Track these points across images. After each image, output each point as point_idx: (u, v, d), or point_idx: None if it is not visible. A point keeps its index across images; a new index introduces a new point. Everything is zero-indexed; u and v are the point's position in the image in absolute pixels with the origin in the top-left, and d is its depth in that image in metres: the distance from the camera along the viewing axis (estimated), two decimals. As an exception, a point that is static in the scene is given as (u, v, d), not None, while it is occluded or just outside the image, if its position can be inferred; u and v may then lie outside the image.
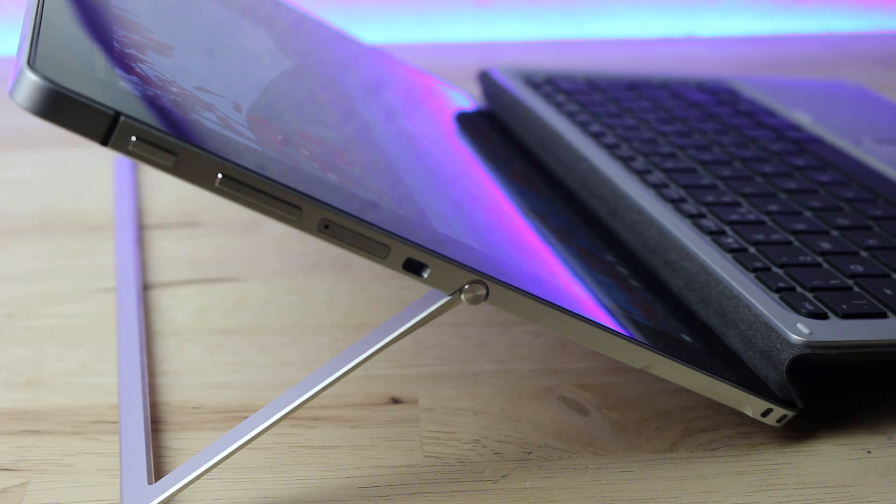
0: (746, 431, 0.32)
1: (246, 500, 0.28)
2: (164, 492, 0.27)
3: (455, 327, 0.37)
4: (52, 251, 0.43)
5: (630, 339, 0.29)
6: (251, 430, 0.27)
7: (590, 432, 0.31)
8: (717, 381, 0.30)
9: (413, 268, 0.26)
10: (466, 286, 0.26)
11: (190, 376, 0.34)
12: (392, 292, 0.40)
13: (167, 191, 0.49)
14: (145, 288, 0.40)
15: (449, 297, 0.26)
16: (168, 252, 0.43)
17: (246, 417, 0.32)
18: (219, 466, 0.29)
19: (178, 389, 0.33)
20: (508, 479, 0.29)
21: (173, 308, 0.38)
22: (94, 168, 0.52)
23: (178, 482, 0.27)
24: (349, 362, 0.27)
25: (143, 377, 0.33)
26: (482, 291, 0.26)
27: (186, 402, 0.33)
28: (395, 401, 0.33)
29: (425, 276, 0.26)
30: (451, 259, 0.26)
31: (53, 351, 0.35)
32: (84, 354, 0.35)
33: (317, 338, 0.37)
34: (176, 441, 0.31)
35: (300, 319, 0.38)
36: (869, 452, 0.31)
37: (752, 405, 0.30)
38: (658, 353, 0.29)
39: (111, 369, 0.34)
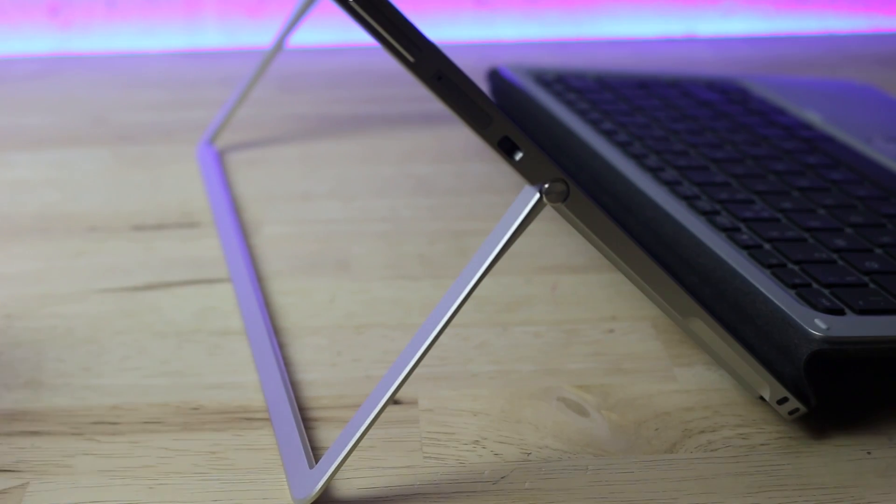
0: (746, 432, 0.31)
1: (246, 500, 0.28)
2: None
3: (455, 327, 0.37)
4: (52, 251, 0.43)
5: (683, 286, 0.29)
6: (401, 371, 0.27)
7: (589, 433, 0.31)
8: (749, 356, 0.30)
9: (507, 147, 0.26)
10: (548, 185, 0.26)
11: (189, 377, 0.34)
12: (392, 292, 0.40)
13: (168, 191, 0.49)
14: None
15: (536, 195, 0.26)
16: (168, 252, 0.43)
17: (246, 418, 0.32)
18: (218, 468, 0.29)
19: (178, 390, 0.33)
20: (508, 480, 0.29)
21: (173, 308, 0.38)
22: (94, 168, 0.52)
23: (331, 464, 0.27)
24: (466, 285, 0.27)
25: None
26: (563, 188, 0.26)
27: (185, 402, 0.33)
28: (395, 401, 0.33)
29: (517, 158, 0.26)
30: (544, 152, 0.26)
31: (53, 352, 0.35)
32: (83, 355, 0.35)
33: (317, 338, 0.37)
34: (175, 442, 0.31)
35: (300, 320, 0.38)
36: (869, 453, 0.31)
37: (771, 388, 0.30)
38: (705, 309, 0.29)
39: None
